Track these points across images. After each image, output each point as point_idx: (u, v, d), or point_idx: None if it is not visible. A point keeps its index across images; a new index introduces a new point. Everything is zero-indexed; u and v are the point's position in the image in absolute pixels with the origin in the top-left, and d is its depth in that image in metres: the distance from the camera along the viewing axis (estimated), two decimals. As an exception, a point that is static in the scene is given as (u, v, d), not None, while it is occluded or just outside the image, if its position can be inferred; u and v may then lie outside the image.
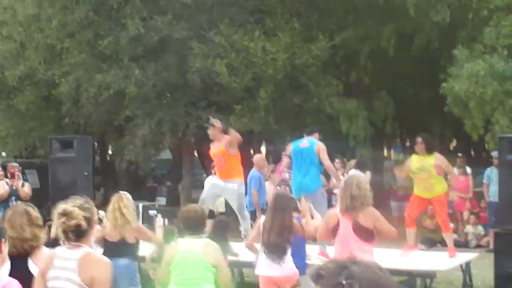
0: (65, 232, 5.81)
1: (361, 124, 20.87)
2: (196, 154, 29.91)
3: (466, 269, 12.58)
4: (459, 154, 21.50)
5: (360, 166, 17.73)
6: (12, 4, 23.12)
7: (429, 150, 12.87)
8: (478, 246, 18.13)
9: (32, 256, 6.05)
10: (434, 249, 16.89)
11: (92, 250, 5.98)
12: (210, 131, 13.53)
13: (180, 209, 8.50)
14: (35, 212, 6.37)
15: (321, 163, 12.79)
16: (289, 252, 9.03)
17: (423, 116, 26.81)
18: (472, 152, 35.27)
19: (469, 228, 18.87)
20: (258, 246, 9.49)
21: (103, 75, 20.85)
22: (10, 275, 5.54)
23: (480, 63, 17.52)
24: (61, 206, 5.90)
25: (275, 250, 8.96)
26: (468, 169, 19.69)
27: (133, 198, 20.84)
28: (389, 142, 38.79)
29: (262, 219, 9.47)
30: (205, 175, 31.85)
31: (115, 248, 9.89)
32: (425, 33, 20.59)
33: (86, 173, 18.16)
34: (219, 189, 13.54)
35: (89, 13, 21.77)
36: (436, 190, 12.67)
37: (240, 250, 11.12)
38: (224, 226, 11.46)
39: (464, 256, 13.09)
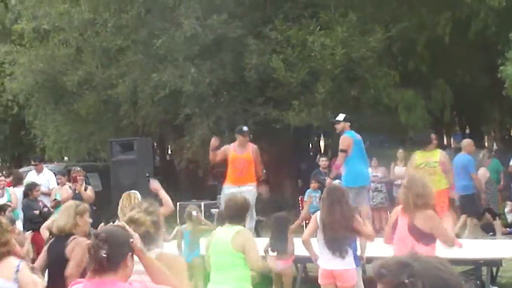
0: None
1: (420, 113, 20.70)
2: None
3: (532, 256, 12.40)
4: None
5: None
6: (68, 10, 23.38)
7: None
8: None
9: None
10: (494, 237, 16.72)
11: (163, 249, 6.00)
12: (242, 138, 14.72)
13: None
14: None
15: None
16: (350, 245, 8.98)
17: (482, 103, 26.50)
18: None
19: (530, 215, 18.59)
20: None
21: (159, 74, 21.02)
22: None
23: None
24: (128, 214, 5.88)
25: (337, 244, 8.90)
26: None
27: (194, 197, 20.93)
28: (448, 130, 38.41)
29: (318, 214, 9.39)
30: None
31: None
32: (481, 18, 20.30)
33: (147, 174, 18.32)
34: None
35: (141, 11, 21.97)
36: (438, 185, 12.45)
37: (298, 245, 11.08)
38: (284, 222, 11.46)
39: (530, 243, 12.93)
